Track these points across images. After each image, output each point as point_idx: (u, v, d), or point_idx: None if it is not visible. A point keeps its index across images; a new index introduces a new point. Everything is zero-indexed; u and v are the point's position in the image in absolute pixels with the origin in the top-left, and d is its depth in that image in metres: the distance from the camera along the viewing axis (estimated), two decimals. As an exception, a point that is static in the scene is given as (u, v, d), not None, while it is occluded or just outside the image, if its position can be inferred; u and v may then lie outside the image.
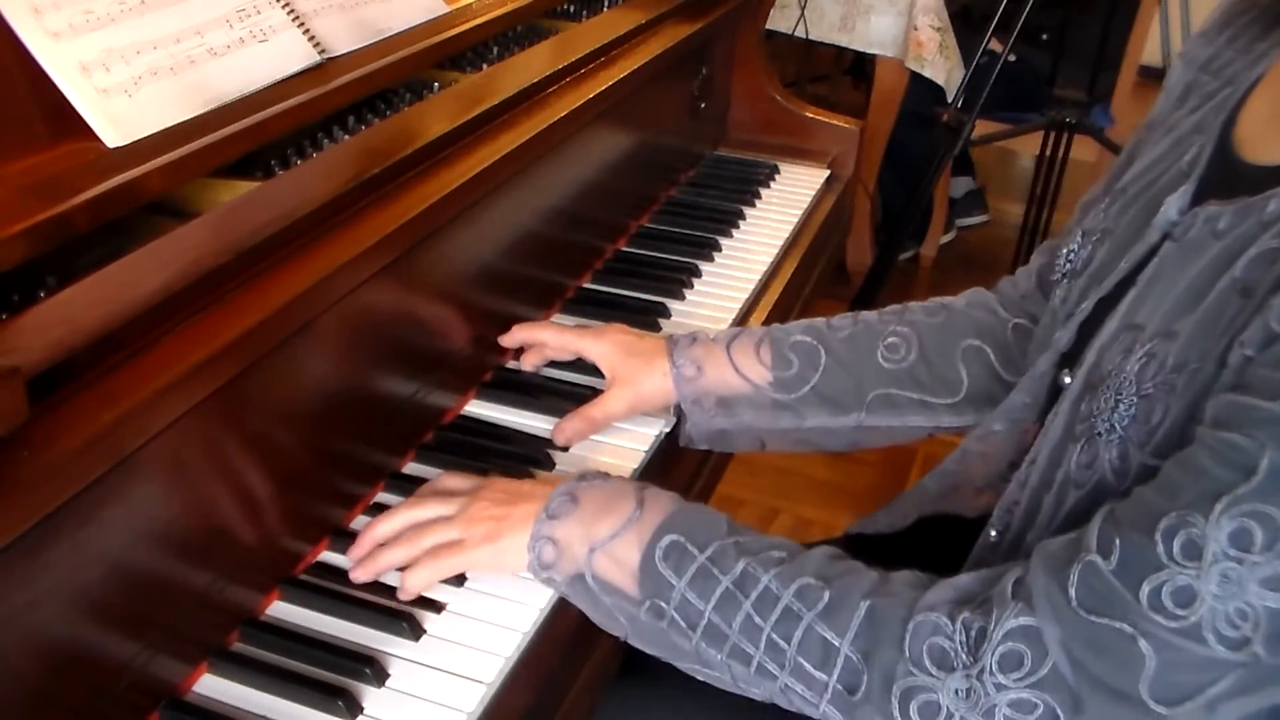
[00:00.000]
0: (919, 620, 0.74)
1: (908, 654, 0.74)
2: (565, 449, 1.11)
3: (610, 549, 0.86)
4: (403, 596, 0.91)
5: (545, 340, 1.20)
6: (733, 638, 0.80)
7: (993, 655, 0.71)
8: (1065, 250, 0.97)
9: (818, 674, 0.77)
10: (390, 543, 0.94)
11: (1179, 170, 0.87)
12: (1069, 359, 0.91)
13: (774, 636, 0.79)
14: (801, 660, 0.77)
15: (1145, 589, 0.67)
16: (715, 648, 0.82)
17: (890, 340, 1.12)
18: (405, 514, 0.95)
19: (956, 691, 0.71)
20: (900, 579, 0.79)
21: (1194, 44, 0.96)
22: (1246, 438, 0.66)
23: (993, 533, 0.93)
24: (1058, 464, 0.84)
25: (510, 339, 1.21)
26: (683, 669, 0.86)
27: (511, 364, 1.24)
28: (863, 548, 0.96)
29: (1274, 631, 0.65)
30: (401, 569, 0.93)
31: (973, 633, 0.73)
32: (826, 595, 0.78)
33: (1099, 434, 0.79)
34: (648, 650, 0.87)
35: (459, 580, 0.93)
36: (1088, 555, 0.70)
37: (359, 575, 0.92)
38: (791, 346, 1.13)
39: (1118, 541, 0.69)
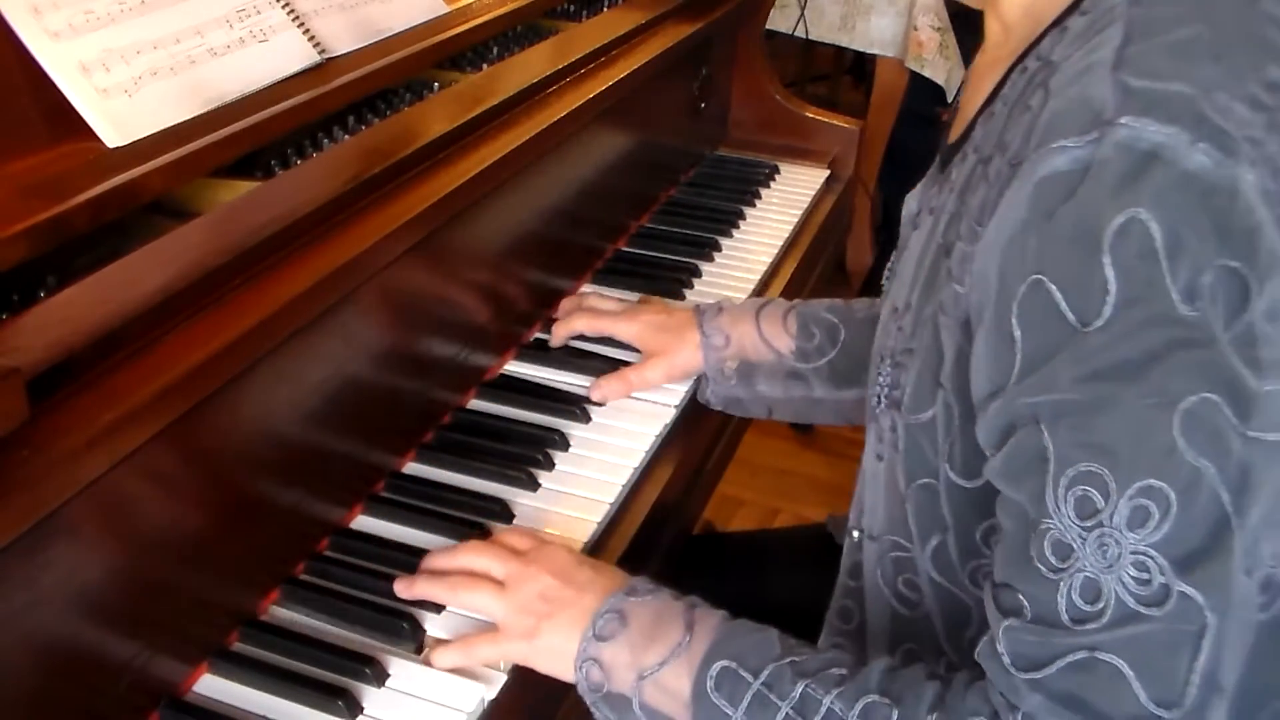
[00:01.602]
0: None
1: None
2: (601, 404, 1.18)
3: (659, 678, 0.81)
4: (435, 665, 0.88)
5: (581, 329, 1.26)
6: None
7: None
8: (888, 265, 1.02)
9: None
10: (437, 575, 0.92)
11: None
12: None
13: None
14: None
15: (1062, 611, 0.67)
16: None
17: None
18: (463, 556, 0.93)
19: None
20: (958, 684, 0.75)
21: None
22: (1021, 431, 0.69)
23: (855, 533, 0.95)
24: (868, 447, 0.91)
25: (555, 340, 1.26)
26: None
27: (509, 367, 1.24)
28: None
29: (1175, 560, 0.64)
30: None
31: None
32: (895, 714, 0.73)
33: (874, 407, 0.89)
34: None
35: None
36: (1001, 625, 0.70)
37: (399, 589, 0.92)
38: (815, 320, 1.19)
39: (1019, 595, 0.69)
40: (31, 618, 0.70)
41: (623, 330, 1.24)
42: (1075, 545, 0.66)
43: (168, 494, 0.80)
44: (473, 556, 0.92)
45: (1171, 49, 0.68)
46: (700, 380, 1.22)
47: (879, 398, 0.88)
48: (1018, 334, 0.69)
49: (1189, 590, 0.64)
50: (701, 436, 1.23)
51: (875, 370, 0.90)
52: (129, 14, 0.94)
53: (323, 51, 1.09)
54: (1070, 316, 0.66)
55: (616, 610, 0.85)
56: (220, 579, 0.87)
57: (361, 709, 0.83)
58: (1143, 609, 0.65)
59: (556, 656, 0.86)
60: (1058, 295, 0.67)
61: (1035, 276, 0.68)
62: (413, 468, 1.08)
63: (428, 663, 0.88)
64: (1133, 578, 0.65)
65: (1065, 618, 0.67)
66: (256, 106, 0.98)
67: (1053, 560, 0.67)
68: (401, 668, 0.86)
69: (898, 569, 0.88)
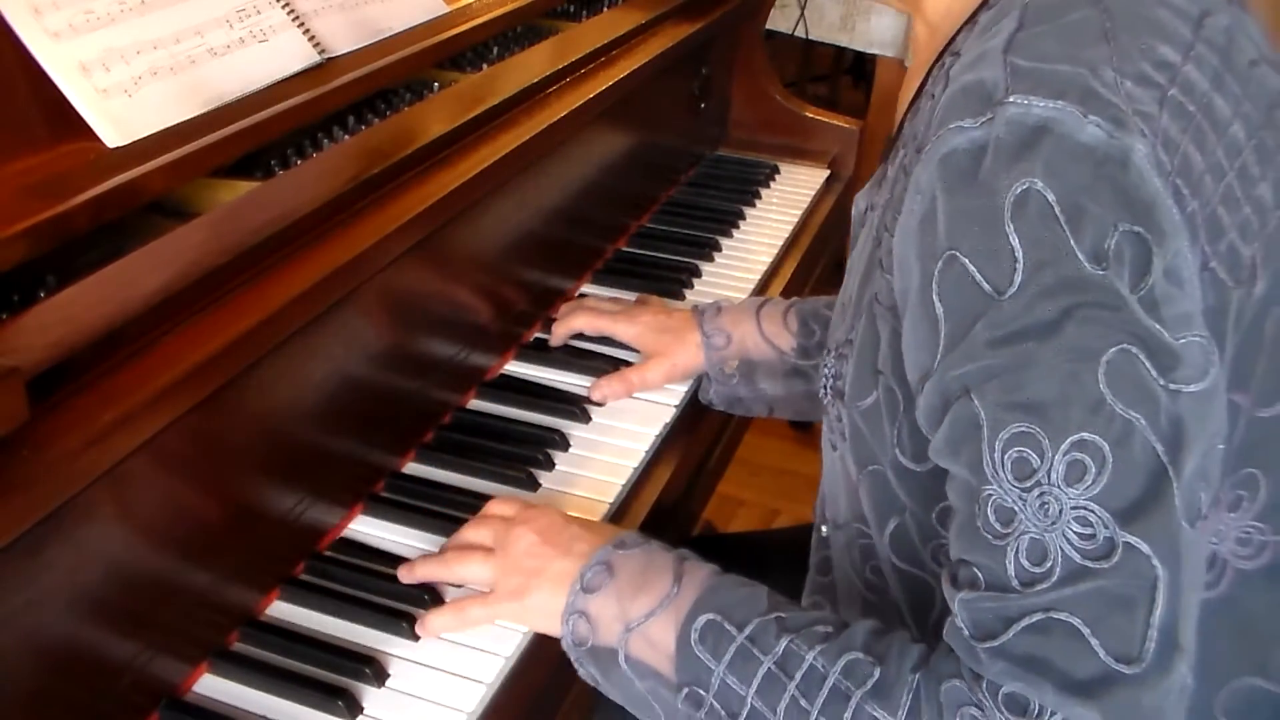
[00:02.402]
0: (946, 687, 0.71)
1: None
2: (601, 404, 1.18)
3: (646, 630, 0.81)
4: (420, 631, 0.89)
5: (580, 328, 1.26)
6: None
7: (1002, 713, 0.68)
8: None
9: None
10: (432, 556, 0.94)
11: None
12: None
13: (823, 719, 0.73)
14: None
15: (1012, 575, 0.67)
16: None
17: None
18: (458, 535, 0.95)
19: None
20: (943, 648, 0.74)
21: None
22: (954, 405, 0.70)
23: (823, 529, 0.96)
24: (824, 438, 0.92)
25: (555, 339, 1.27)
26: None
27: (509, 367, 1.24)
28: None
29: (1117, 512, 0.65)
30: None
31: (983, 704, 0.69)
32: (877, 671, 0.73)
33: (822, 398, 0.91)
34: None
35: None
36: (956, 598, 0.70)
37: (404, 575, 0.93)
38: (815, 317, 1.19)
39: (972, 569, 0.70)
40: (31, 617, 0.70)
41: (622, 331, 1.24)
42: (1017, 508, 0.67)
43: (168, 494, 0.80)
44: (465, 532, 0.95)
45: (1061, 32, 0.71)
46: (701, 380, 1.22)
47: (825, 388, 0.91)
48: (939, 310, 0.70)
49: (1134, 540, 0.65)
50: (701, 436, 1.23)
51: (822, 363, 0.92)
52: (129, 14, 0.94)
53: (323, 51, 1.09)
54: (985, 286, 0.68)
55: (604, 562, 0.85)
56: (220, 579, 0.87)
57: (361, 709, 0.83)
58: (1090, 563, 0.65)
59: (546, 614, 0.86)
60: (971, 267, 0.69)
61: (949, 252, 0.70)
62: (413, 468, 1.08)
63: (423, 628, 0.89)
64: (1076, 534, 0.65)
65: (1015, 581, 0.67)
66: (256, 106, 0.98)
67: (997, 526, 0.68)
68: (401, 668, 0.86)
69: (864, 556, 0.89)
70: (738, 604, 0.80)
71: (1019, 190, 0.67)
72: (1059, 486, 0.66)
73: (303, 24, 1.08)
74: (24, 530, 0.66)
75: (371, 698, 0.84)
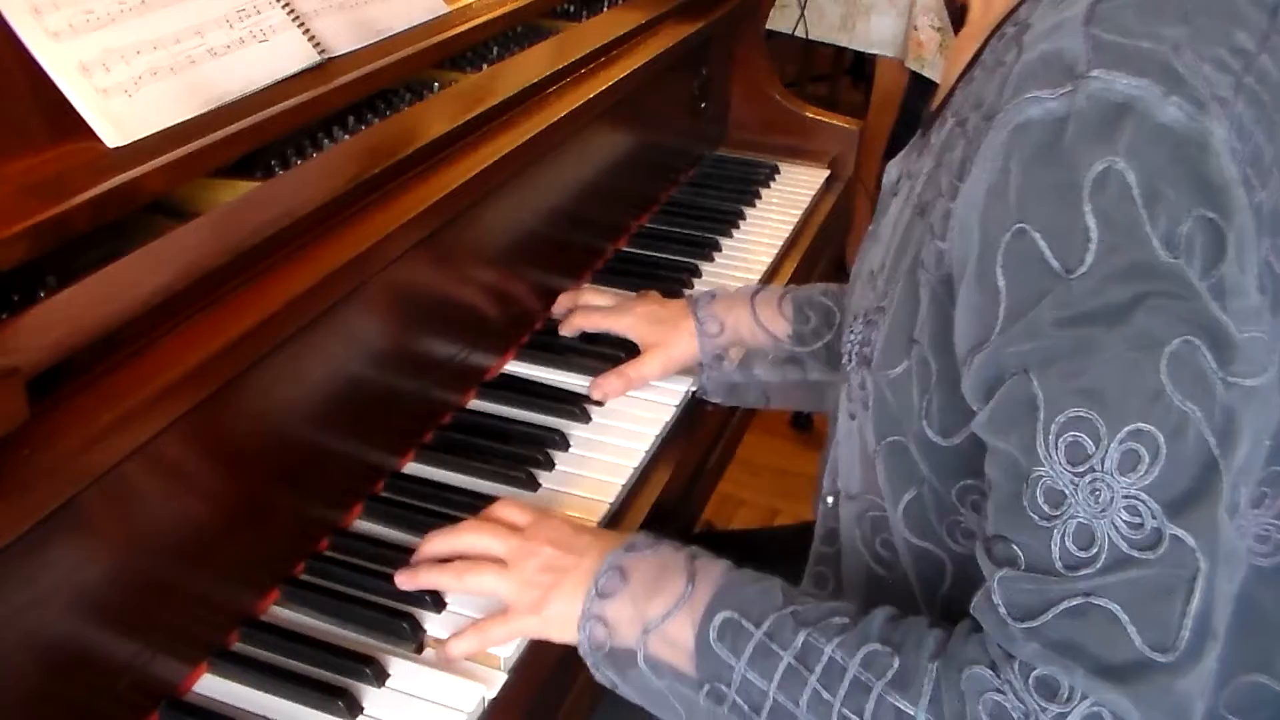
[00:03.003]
0: (969, 674, 0.71)
1: (968, 715, 0.70)
2: (600, 403, 1.18)
3: (664, 630, 0.82)
4: (444, 656, 0.88)
5: (582, 325, 1.27)
6: (801, 717, 0.75)
7: (1032, 694, 0.68)
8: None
9: None
10: (440, 564, 0.93)
11: None
12: None
13: (846, 712, 0.73)
14: None
15: (1056, 558, 0.68)
16: None
17: None
18: (461, 538, 0.93)
19: None
20: (960, 632, 0.75)
21: None
22: (1010, 381, 0.69)
23: (829, 500, 0.95)
24: (841, 407, 0.91)
25: (560, 315, 1.29)
26: None
27: (509, 367, 1.24)
28: None
29: (1167, 503, 0.65)
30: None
31: (1013, 683, 0.69)
32: (896, 662, 0.73)
33: (845, 365, 0.89)
34: None
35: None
36: (995, 576, 0.70)
37: (401, 581, 0.92)
38: (810, 304, 1.19)
39: (1012, 546, 0.70)
40: (32, 617, 0.70)
41: (617, 325, 1.24)
42: (1067, 491, 0.67)
43: (168, 494, 0.80)
44: (472, 537, 0.93)
45: (1141, 8, 0.70)
46: (697, 371, 1.22)
47: (850, 355, 0.89)
48: (1002, 283, 0.69)
49: (1180, 533, 0.65)
50: (701, 436, 1.23)
51: (848, 329, 0.91)
52: (129, 14, 0.94)
53: (323, 51, 1.09)
54: (1054, 264, 0.67)
55: (617, 567, 0.86)
56: (220, 579, 0.87)
57: (361, 709, 0.83)
58: (1136, 553, 0.66)
59: (566, 624, 0.86)
60: (1042, 243, 0.68)
61: (1019, 225, 0.68)
62: (413, 468, 1.08)
63: (437, 658, 0.88)
64: (1125, 522, 0.66)
65: (1059, 564, 0.67)
66: (256, 106, 0.98)
67: (1045, 508, 0.68)
68: (401, 668, 0.86)
69: (875, 529, 0.89)
70: (753, 600, 0.80)
71: (1100, 168, 0.66)
72: (1112, 474, 0.66)
73: (303, 24, 1.08)
74: (24, 530, 0.66)
75: (371, 698, 0.84)
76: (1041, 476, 0.68)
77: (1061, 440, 0.67)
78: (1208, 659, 0.67)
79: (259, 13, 1.04)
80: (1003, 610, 0.69)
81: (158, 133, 0.91)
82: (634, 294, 1.31)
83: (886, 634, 0.75)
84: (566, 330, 1.27)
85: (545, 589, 0.87)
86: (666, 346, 1.21)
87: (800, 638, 0.76)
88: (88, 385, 0.72)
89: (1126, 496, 0.66)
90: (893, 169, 0.95)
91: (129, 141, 0.89)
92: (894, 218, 0.89)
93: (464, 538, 0.93)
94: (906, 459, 0.82)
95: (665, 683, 0.81)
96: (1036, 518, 0.68)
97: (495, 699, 0.86)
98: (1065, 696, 0.67)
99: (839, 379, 1.15)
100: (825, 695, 0.74)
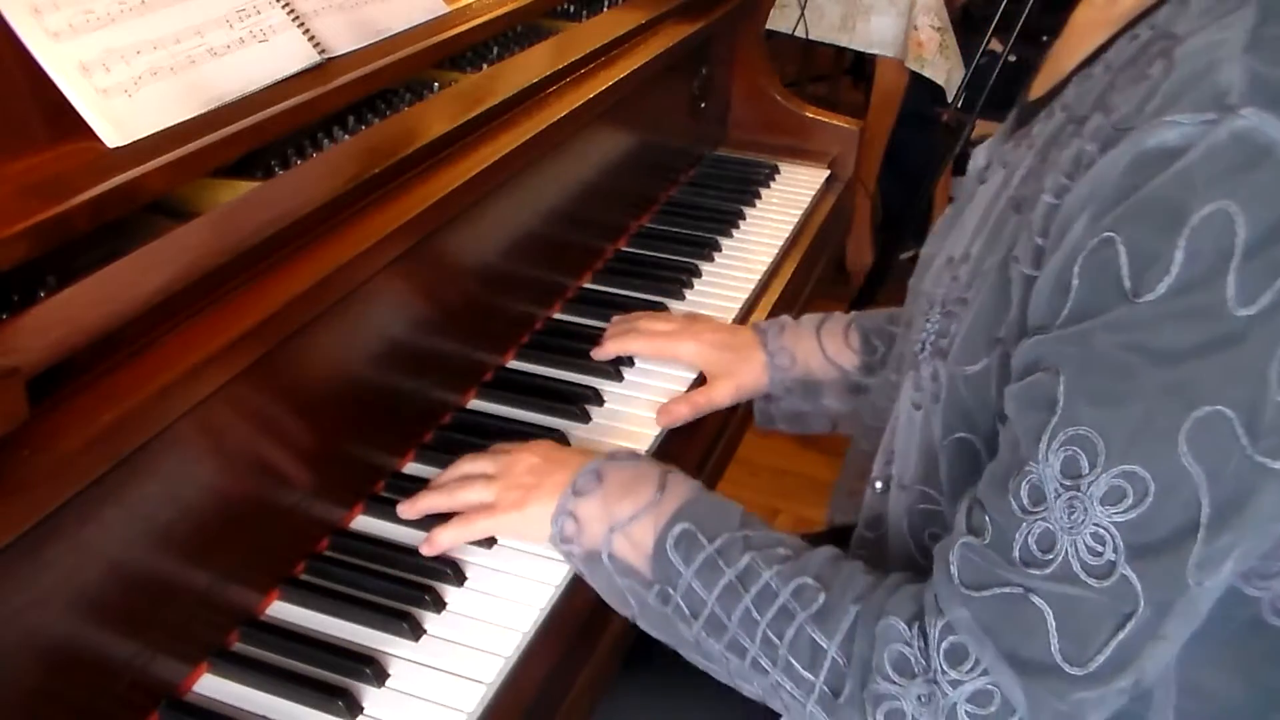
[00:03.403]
0: (883, 624, 0.75)
1: (874, 661, 0.74)
2: (670, 427, 1.17)
3: (628, 530, 0.88)
4: (426, 550, 0.94)
5: (637, 353, 1.23)
6: (731, 630, 0.81)
7: (939, 655, 0.72)
8: (938, 220, 1.02)
9: (806, 674, 0.77)
10: (434, 488, 0.99)
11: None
12: None
13: (769, 633, 0.79)
14: (792, 659, 0.78)
15: (1015, 548, 0.70)
16: (715, 638, 0.82)
17: None
18: (458, 466, 1.00)
19: (919, 698, 0.72)
20: (888, 584, 0.79)
21: None
22: (1043, 372, 0.70)
23: (878, 484, 0.96)
24: (904, 394, 0.91)
25: (602, 353, 1.23)
26: (686, 658, 0.87)
27: (512, 363, 1.24)
28: (846, 540, 0.98)
29: (1131, 546, 0.66)
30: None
31: (926, 638, 0.73)
32: (821, 597, 0.78)
33: (917, 354, 0.88)
34: (653, 634, 0.88)
35: (460, 580, 0.94)
36: (961, 538, 0.73)
37: (403, 510, 0.98)
38: (878, 333, 1.18)
39: (986, 518, 0.72)
40: (32, 617, 0.70)
41: (683, 352, 1.21)
42: (1049, 496, 0.68)
43: (168, 494, 0.80)
44: (468, 464, 1.00)
45: None
46: (755, 400, 1.21)
47: (923, 344, 0.87)
48: (1075, 282, 0.69)
49: (1131, 576, 0.67)
50: (701, 437, 1.23)
51: (922, 318, 0.89)
52: (129, 14, 0.94)
53: (323, 51, 1.09)
54: (1126, 283, 0.66)
55: (595, 470, 0.93)
56: (220, 579, 0.87)
57: (361, 709, 0.83)
58: (1085, 576, 0.67)
59: (543, 522, 0.92)
60: (1123, 258, 0.66)
61: (1109, 234, 0.67)
62: (413, 468, 1.08)
63: (429, 543, 0.94)
64: (1087, 547, 0.67)
65: (1016, 554, 0.70)
66: (256, 106, 0.98)
67: (1025, 501, 0.70)
68: (401, 668, 0.86)
69: (926, 521, 0.89)
70: (712, 518, 0.87)
71: (1212, 208, 0.64)
72: (1094, 501, 0.67)
73: (303, 24, 1.08)
74: (24, 530, 0.66)
75: (371, 698, 0.84)
76: (1032, 472, 0.69)
77: (1063, 450, 0.68)
78: (1112, 686, 0.68)
79: (259, 13, 1.04)
80: (954, 569, 0.72)
81: (158, 133, 0.91)
82: (690, 316, 1.28)
83: (821, 571, 0.80)
84: (614, 349, 1.22)
85: (528, 489, 0.94)
86: (737, 377, 1.18)
87: (745, 559, 0.82)
88: (88, 385, 0.72)
89: (1098, 524, 0.67)
90: (980, 154, 0.94)
91: (129, 141, 0.89)
92: (983, 206, 0.87)
93: (460, 466, 1.00)
94: (974, 458, 0.82)
95: (625, 581, 0.88)
96: (1014, 505, 0.70)
97: (495, 699, 0.85)
98: (968, 668, 0.70)
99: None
100: (755, 615, 0.80)
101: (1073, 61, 0.83)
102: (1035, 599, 0.69)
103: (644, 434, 1.14)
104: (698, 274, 1.46)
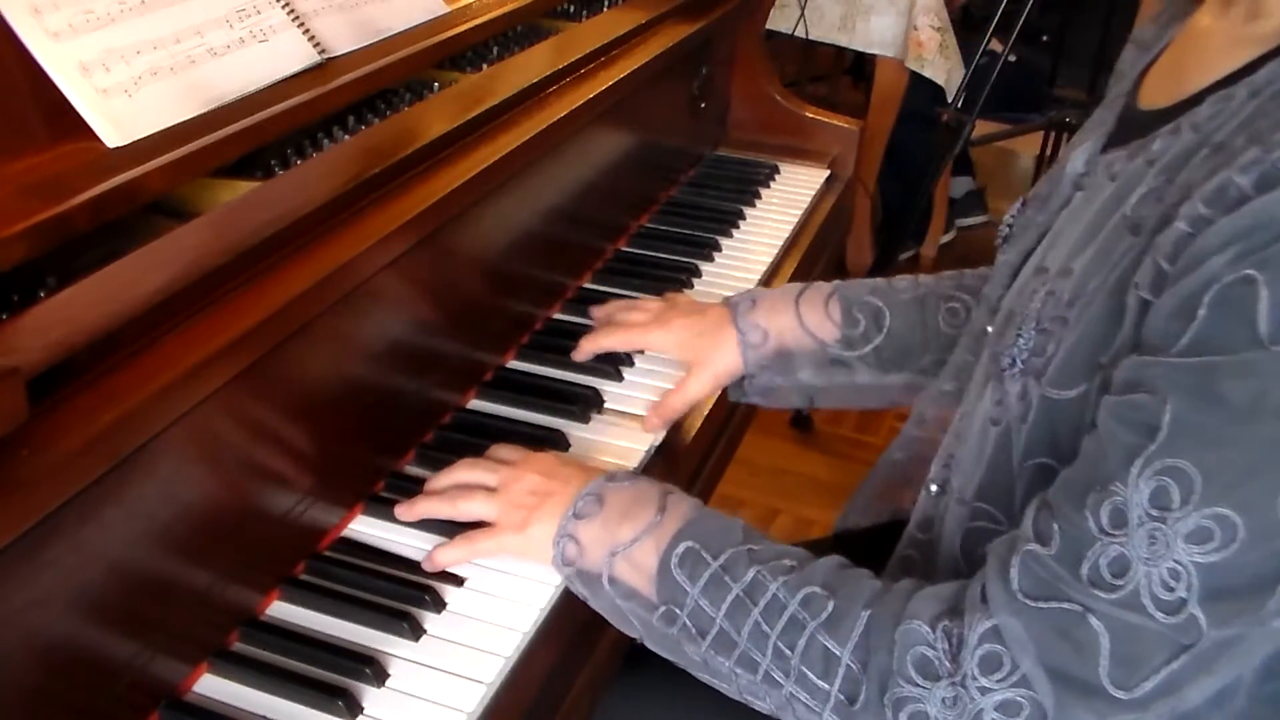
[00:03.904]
0: (904, 629, 0.74)
1: (895, 665, 0.74)
2: (656, 431, 1.15)
3: (630, 554, 0.87)
4: (427, 567, 0.94)
5: (611, 346, 1.21)
6: (741, 645, 0.81)
7: (973, 660, 0.71)
8: (1007, 216, 1.00)
9: (820, 683, 0.77)
10: (435, 495, 0.98)
11: (1089, 128, 0.91)
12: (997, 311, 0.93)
13: (780, 645, 0.79)
14: (805, 669, 0.77)
15: (1084, 566, 0.68)
16: (724, 655, 0.82)
17: (951, 305, 1.14)
18: (458, 473, 0.99)
19: (943, 700, 0.72)
20: (900, 588, 0.79)
21: (1142, 28, 0.98)
22: (1148, 394, 0.68)
23: (933, 487, 0.94)
24: (979, 406, 0.87)
25: (580, 354, 1.22)
26: (695, 676, 0.86)
27: (512, 363, 1.24)
28: (853, 546, 0.97)
29: (1207, 588, 0.65)
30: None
31: (953, 639, 0.73)
32: (831, 605, 0.78)
33: (1004, 370, 0.84)
34: (661, 654, 0.88)
35: (459, 580, 0.94)
36: (1026, 545, 0.72)
37: (400, 513, 0.98)
38: (860, 305, 1.15)
39: (1055, 526, 0.71)
40: (31, 618, 0.70)
41: (656, 342, 1.20)
42: (1132, 523, 0.67)
43: (168, 494, 0.80)
44: (466, 472, 0.99)
45: None
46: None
47: (1014, 360, 0.82)
48: (1202, 312, 0.66)
49: (1200, 616, 0.66)
50: (701, 437, 1.23)
51: (1013, 331, 0.83)
52: (129, 14, 0.94)
53: (323, 51, 1.09)
54: (1262, 327, 0.63)
55: (595, 493, 0.92)
56: (220, 579, 0.87)
57: (361, 709, 0.83)
58: (1152, 609, 0.66)
59: (545, 543, 0.92)
60: (1265, 302, 0.63)
61: (1251, 272, 0.64)
62: (413, 468, 1.08)
63: (429, 561, 0.94)
64: (1162, 581, 0.66)
65: (1084, 572, 0.68)
66: (256, 106, 0.98)
67: (1105, 522, 0.68)
68: (401, 668, 0.86)
69: (978, 541, 0.84)
70: (715, 534, 0.86)
71: None
72: (1179, 537, 0.65)
73: (303, 24, 1.08)
74: (24, 530, 0.66)
75: (371, 698, 0.84)
76: (1118, 495, 0.68)
77: (1156, 479, 0.66)
78: (1155, 711, 0.68)
79: (259, 13, 1.04)
80: (1014, 575, 0.71)
81: (158, 133, 0.91)
82: (666, 301, 1.25)
83: (828, 579, 0.80)
84: (591, 348, 1.21)
85: (530, 510, 0.93)
86: (711, 363, 1.16)
87: (751, 573, 0.82)
88: (88, 385, 0.72)
89: (1177, 561, 0.65)
90: (1078, 157, 0.89)
91: (129, 141, 0.89)
92: (1086, 219, 0.82)
93: (460, 472, 0.99)
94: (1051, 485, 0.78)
95: (627, 604, 0.87)
96: (1092, 523, 0.68)
97: (495, 699, 0.85)
98: (1001, 676, 0.70)
99: (888, 381, 1.15)
100: (764, 627, 0.79)
101: (1203, 76, 0.78)
102: (1094, 619, 0.67)
103: (644, 434, 1.14)
104: (698, 274, 1.46)
